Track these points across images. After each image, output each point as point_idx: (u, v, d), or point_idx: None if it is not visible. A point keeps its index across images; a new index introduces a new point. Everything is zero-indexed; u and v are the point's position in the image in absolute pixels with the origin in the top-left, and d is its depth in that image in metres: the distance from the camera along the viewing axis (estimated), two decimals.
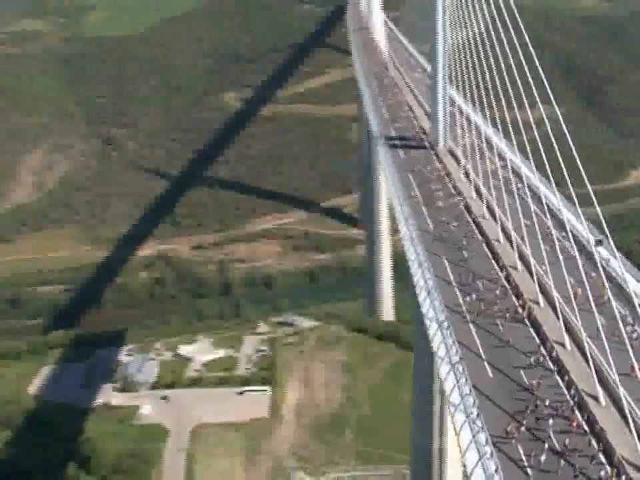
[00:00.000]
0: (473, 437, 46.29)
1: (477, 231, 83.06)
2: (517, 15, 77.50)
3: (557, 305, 58.55)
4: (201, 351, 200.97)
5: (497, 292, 66.80)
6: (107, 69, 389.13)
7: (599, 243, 66.21)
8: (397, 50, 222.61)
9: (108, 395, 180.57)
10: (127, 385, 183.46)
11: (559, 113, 63.71)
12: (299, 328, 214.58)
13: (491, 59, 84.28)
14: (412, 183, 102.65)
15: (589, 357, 50.74)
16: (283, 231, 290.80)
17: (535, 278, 65.61)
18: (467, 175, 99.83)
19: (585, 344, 51.54)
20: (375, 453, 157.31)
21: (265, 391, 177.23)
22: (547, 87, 63.80)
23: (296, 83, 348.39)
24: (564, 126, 58.31)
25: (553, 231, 68.32)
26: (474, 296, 66.25)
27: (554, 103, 64.60)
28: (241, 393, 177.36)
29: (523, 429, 46.35)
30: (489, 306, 64.08)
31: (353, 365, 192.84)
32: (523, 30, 72.29)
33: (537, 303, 63.40)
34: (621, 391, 45.43)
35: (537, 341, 58.04)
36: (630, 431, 43.13)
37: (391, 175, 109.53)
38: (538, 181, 78.41)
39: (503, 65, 77.44)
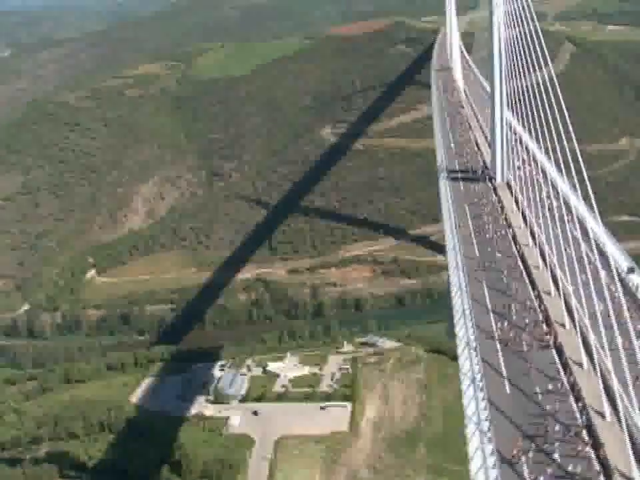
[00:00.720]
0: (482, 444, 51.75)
1: (519, 260, 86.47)
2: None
3: (582, 329, 60.06)
4: (288, 368, 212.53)
5: (527, 320, 69.43)
6: (216, 107, 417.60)
7: (631, 270, 71.50)
8: (473, 89, 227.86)
9: (201, 406, 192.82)
10: (218, 398, 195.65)
11: None
12: (381, 348, 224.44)
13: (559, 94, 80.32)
14: (467, 214, 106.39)
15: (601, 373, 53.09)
16: (373, 257, 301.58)
17: (563, 303, 67.60)
18: (519, 207, 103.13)
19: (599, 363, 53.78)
20: (446, 467, 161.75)
21: (346, 406, 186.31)
22: None
23: (388, 118, 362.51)
24: None
25: (591, 258, 69.20)
26: (505, 322, 69.27)
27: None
28: (323, 408, 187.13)
29: (529, 454, 48.97)
30: (519, 332, 67.07)
31: (429, 384, 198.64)
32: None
33: (564, 326, 66.05)
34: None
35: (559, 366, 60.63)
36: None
37: (446, 206, 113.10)
38: (585, 211, 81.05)
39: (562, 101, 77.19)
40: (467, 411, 57.03)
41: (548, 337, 65.32)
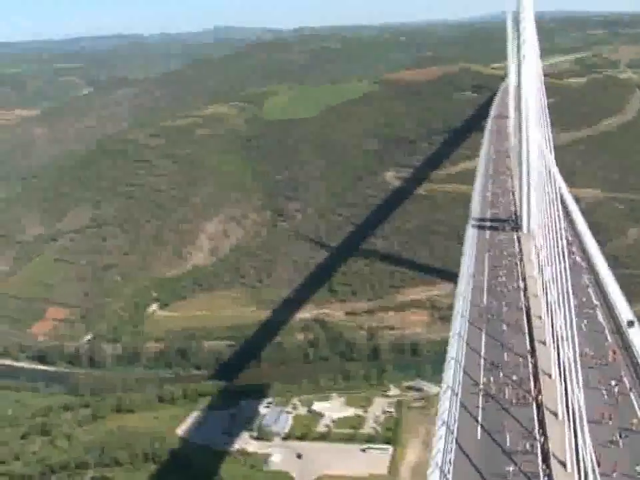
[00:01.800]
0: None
1: (524, 311, 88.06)
2: None
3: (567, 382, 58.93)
4: (333, 408, 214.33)
5: (514, 376, 69.86)
6: (282, 148, 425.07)
7: (630, 324, 72.26)
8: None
9: (244, 442, 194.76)
10: (262, 434, 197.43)
11: None
12: (427, 393, 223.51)
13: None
14: (485, 262, 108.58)
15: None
16: (431, 302, 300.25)
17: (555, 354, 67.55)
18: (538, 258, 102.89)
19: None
20: None
21: (387, 449, 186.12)
22: None
23: (451, 164, 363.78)
24: None
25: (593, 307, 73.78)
26: (492, 375, 70.71)
27: None
28: (364, 450, 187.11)
29: None
30: (503, 387, 68.08)
31: None
32: None
33: (550, 376, 67.31)
34: None
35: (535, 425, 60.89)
36: None
37: (467, 254, 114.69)
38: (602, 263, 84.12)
39: None
40: (433, 451, 57.95)
41: (531, 393, 66.23)
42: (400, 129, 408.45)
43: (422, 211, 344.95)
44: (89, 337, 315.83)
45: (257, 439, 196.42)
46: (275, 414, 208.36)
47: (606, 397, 63.48)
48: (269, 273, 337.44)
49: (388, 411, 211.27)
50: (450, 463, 55.36)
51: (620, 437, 56.24)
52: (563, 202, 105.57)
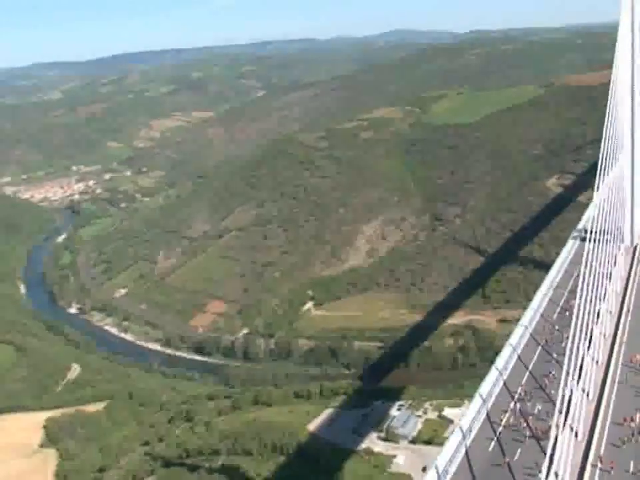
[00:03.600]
0: None
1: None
2: None
3: None
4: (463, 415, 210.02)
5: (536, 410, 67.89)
6: (445, 152, 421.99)
7: None
8: None
9: (372, 442, 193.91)
10: (390, 436, 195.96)
11: None
12: None
13: None
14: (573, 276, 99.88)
15: None
16: None
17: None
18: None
19: None
20: None
21: None
22: None
23: None
24: None
25: None
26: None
27: None
28: None
29: None
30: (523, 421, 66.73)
31: None
32: None
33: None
34: None
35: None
36: None
37: (556, 266, 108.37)
38: None
39: None
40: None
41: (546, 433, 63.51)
42: (567, 135, 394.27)
43: (581, 219, 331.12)
44: (245, 331, 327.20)
45: (384, 440, 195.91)
46: (404, 416, 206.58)
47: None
48: (424, 277, 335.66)
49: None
50: None
51: (628, 440, 57.19)
52: None
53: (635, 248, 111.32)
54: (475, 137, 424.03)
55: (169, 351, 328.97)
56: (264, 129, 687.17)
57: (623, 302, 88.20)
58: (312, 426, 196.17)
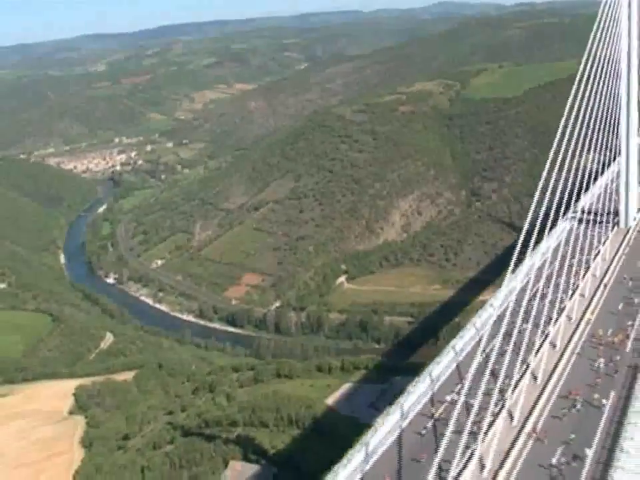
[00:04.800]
0: None
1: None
2: None
3: None
4: None
5: None
6: (483, 128, 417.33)
7: None
8: None
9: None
10: None
11: None
12: None
13: None
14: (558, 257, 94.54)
15: None
16: None
17: None
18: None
19: None
20: None
21: None
22: None
23: None
24: None
25: None
26: None
27: None
28: None
29: None
30: None
31: None
32: None
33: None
34: None
35: None
36: None
37: (543, 247, 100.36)
38: None
39: None
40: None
41: None
42: (609, 111, 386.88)
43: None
44: (277, 303, 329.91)
45: None
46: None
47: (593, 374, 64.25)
48: (457, 253, 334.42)
49: None
50: None
51: (569, 410, 58.22)
52: None
53: (628, 230, 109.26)
54: (515, 112, 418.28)
55: (202, 322, 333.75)
56: (304, 102, 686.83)
57: (601, 281, 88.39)
58: (330, 400, 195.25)
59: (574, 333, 74.27)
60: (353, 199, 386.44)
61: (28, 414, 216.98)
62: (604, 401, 58.53)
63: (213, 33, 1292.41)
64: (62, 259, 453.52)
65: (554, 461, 51.19)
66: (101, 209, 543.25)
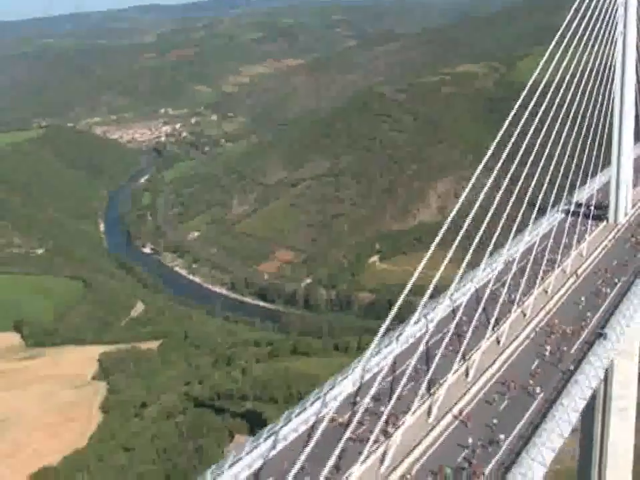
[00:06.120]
0: None
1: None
2: None
3: None
4: None
5: None
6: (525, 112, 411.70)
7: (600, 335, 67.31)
8: None
9: None
10: None
11: None
12: None
13: None
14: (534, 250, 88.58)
15: None
16: None
17: None
18: None
19: None
20: None
21: None
22: None
23: None
24: None
25: None
26: None
27: None
28: None
29: None
30: None
31: None
32: None
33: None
34: None
35: None
36: None
37: (525, 239, 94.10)
38: None
39: None
40: None
41: None
42: None
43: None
44: (308, 280, 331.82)
45: None
46: None
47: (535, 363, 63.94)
48: (491, 237, 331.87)
49: None
50: None
51: (502, 396, 58.58)
52: None
53: (616, 226, 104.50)
54: (560, 97, 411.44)
55: (233, 295, 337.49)
56: (349, 80, 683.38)
57: (576, 273, 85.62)
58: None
59: (529, 323, 72.82)
60: (390, 179, 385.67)
61: (52, 378, 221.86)
62: (537, 390, 58.89)
63: (262, 7, 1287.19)
64: (101, 227, 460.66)
65: (470, 442, 51.98)
66: (142, 179, 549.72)
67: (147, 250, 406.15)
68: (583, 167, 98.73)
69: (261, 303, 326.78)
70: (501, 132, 71.11)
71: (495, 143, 70.28)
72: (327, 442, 45.67)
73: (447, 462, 49.98)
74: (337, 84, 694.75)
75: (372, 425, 51.17)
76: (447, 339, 59.98)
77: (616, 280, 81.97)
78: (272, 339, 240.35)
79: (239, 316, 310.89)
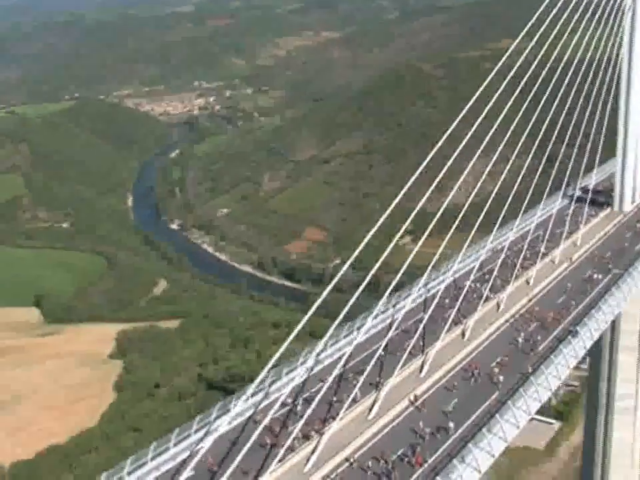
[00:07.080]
0: None
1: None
2: None
3: None
4: None
5: None
6: (568, 90, 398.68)
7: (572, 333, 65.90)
8: None
9: None
10: None
11: None
12: None
13: None
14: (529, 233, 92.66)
15: None
16: None
17: None
18: None
19: None
20: None
21: (553, 424, 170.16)
22: None
23: None
24: None
25: None
26: None
27: None
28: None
29: None
30: None
31: None
32: None
33: None
34: None
35: None
36: None
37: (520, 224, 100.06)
38: None
39: None
40: None
41: None
42: None
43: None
44: (337, 261, 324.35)
45: None
46: None
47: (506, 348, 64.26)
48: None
49: (572, 385, 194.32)
50: None
51: (454, 386, 58.49)
52: None
53: (620, 214, 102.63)
54: (604, 74, 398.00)
55: (260, 274, 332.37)
56: (388, 54, 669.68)
57: (570, 259, 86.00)
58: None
59: (508, 309, 72.57)
60: (424, 158, 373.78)
61: (68, 355, 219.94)
62: (501, 378, 58.12)
63: None
64: (129, 202, 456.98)
65: (420, 427, 51.35)
66: (173, 153, 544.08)
67: (175, 226, 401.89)
68: (599, 151, 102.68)
69: (288, 283, 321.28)
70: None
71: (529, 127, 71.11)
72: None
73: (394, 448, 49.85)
74: (374, 58, 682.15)
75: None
76: (413, 331, 62.77)
77: (610, 266, 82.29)
78: (293, 319, 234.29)
79: (265, 295, 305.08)
